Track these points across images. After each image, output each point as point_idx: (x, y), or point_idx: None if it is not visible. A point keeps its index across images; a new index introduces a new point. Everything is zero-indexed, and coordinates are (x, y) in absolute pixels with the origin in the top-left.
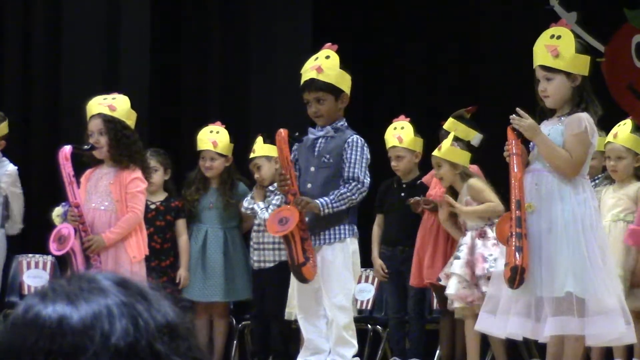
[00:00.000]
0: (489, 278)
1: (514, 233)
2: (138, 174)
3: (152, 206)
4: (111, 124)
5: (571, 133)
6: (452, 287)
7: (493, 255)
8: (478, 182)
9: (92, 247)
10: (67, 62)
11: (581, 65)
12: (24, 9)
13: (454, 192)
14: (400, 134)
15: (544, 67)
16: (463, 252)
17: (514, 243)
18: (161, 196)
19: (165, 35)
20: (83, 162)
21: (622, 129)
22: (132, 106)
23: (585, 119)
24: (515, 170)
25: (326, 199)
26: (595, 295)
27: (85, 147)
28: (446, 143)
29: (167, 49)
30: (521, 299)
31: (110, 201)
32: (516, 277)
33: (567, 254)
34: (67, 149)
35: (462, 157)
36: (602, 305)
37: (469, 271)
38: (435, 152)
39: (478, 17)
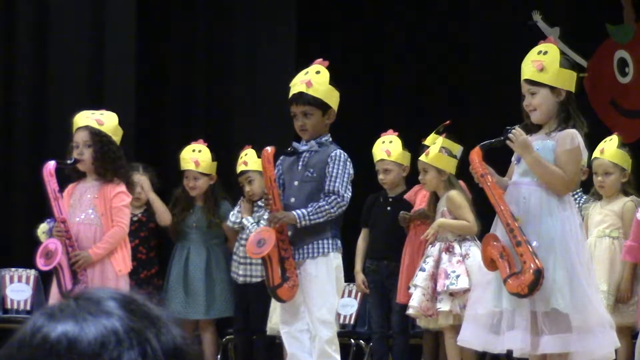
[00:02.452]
0: (451, 294)
1: (522, 241)
2: (122, 188)
3: (135, 218)
4: (97, 136)
5: (564, 149)
6: (415, 300)
7: (456, 272)
8: (458, 197)
9: (79, 263)
10: (52, 78)
11: (565, 80)
12: (8, 22)
13: (437, 199)
14: (389, 147)
15: (529, 81)
16: (429, 264)
17: (529, 249)
18: (141, 208)
19: (150, 52)
20: (65, 176)
21: (609, 145)
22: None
23: (577, 136)
24: (492, 189)
25: (304, 210)
26: (582, 311)
27: (69, 161)
28: (434, 149)
29: (153, 65)
30: (517, 311)
31: (95, 215)
32: (539, 280)
33: (552, 270)
34: (51, 164)
35: (449, 164)
36: (589, 322)
37: (432, 285)
38: (422, 157)
39: (465, 34)
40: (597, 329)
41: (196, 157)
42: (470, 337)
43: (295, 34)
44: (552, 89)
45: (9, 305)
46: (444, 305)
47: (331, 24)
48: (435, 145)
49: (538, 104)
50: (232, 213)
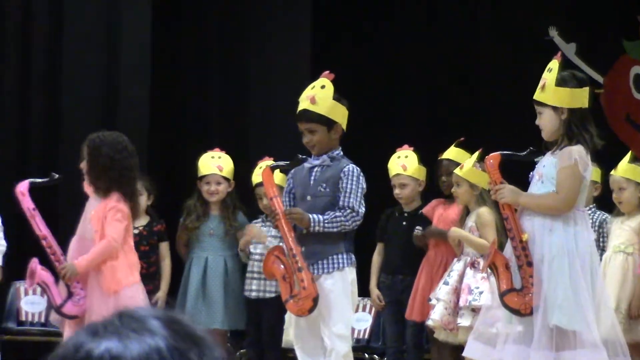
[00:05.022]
0: (473, 310)
1: (531, 262)
2: (116, 201)
3: (136, 231)
4: (89, 149)
5: (562, 166)
6: (437, 313)
7: (480, 288)
8: (487, 215)
9: (67, 275)
10: (66, 88)
11: (564, 98)
12: (23, 35)
13: (468, 212)
14: (405, 162)
15: (535, 101)
16: (453, 278)
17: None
18: (143, 221)
19: (165, 64)
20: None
21: (622, 161)
22: (132, 134)
23: (575, 152)
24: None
25: (320, 216)
26: (581, 328)
27: (45, 180)
28: (468, 163)
29: (167, 78)
30: (520, 326)
31: (92, 230)
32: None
33: (554, 287)
34: (23, 184)
35: (482, 180)
36: (585, 340)
37: (454, 299)
38: (457, 171)
39: (479, 48)
40: (594, 347)
41: (218, 162)
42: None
43: (310, 47)
44: (555, 108)
45: (23, 318)
46: (464, 321)
47: (347, 37)
48: (470, 159)
49: (543, 124)
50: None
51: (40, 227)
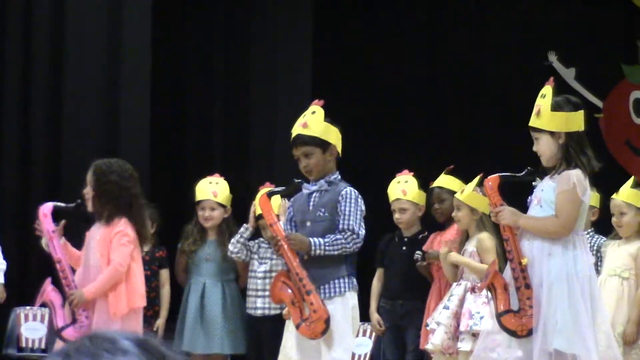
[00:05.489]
0: (474, 335)
1: (529, 284)
2: (122, 226)
3: None
4: (95, 175)
5: (560, 190)
6: (437, 337)
7: (480, 313)
8: (488, 241)
9: (74, 302)
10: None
11: (560, 122)
12: (24, 49)
13: (467, 237)
14: (405, 187)
15: (531, 128)
16: (453, 302)
17: (532, 294)
18: (146, 247)
19: (167, 86)
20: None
21: (624, 185)
22: (133, 157)
23: (574, 176)
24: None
25: (320, 240)
26: (580, 352)
27: (69, 205)
28: (469, 187)
29: (169, 99)
30: (519, 351)
31: (97, 256)
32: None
33: (553, 310)
34: (47, 206)
35: (482, 204)
36: None
37: (455, 324)
38: (457, 195)
39: (479, 73)
40: None
41: (214, 188)
42: None
43: (311, 72)
44: (552, 133)
45: (24, 344)
46: (464, 345)
47: (347, 62)
48: (471, 183)
49: (542, 150)
50: (231, 243)
51: (57, 250)
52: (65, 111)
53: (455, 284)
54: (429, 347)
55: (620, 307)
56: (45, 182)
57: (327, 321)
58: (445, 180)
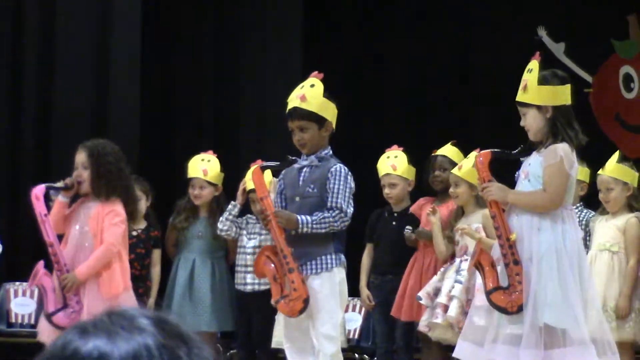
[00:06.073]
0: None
1: (518, 260)
2: (116, 206)
3: (134, 233)
4: (93, 157)
5: (547, 164)
6: (453, 310)
7: None
8: None
9: (68, 286)
10: (58, 89)
11: (547, 96)
12: (14, 32)
13: (462, 212)
14: (394, 162)
15: (518, 102)
16: (465, 277)
17: (522, 269)
18: (142, 224)
19: (158, 63)
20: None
21: (609, 161)
22: (123, 133)
23: (561, 150)
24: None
25: (308, 217)
26: (570, 326)
27: (59, 185)
28: (467, 163)
29: (160, 78)
30: (510, 326)
31: (90, 236)
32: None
33: (543, 285)
34: (39, 188)
35: None
36: (574, 338)
37: (466, 298)
38: (455, 171)
39: (469, 48)
40: (583, 344)
41: (205, 166)
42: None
43: (301, 47)
44: (539, 107)
45: (13, 319)
46: (479, 320)
47: (337, 36)
48: (469, 159)
49: (529, 124)
50: (220, 221)
51: (49, 233)
52: (55, 90)
53: (458, 259)
54: (439, 321)
55: (612, 281)
56: (35, 162)
57: (306, 301)
58: (450, 151)
